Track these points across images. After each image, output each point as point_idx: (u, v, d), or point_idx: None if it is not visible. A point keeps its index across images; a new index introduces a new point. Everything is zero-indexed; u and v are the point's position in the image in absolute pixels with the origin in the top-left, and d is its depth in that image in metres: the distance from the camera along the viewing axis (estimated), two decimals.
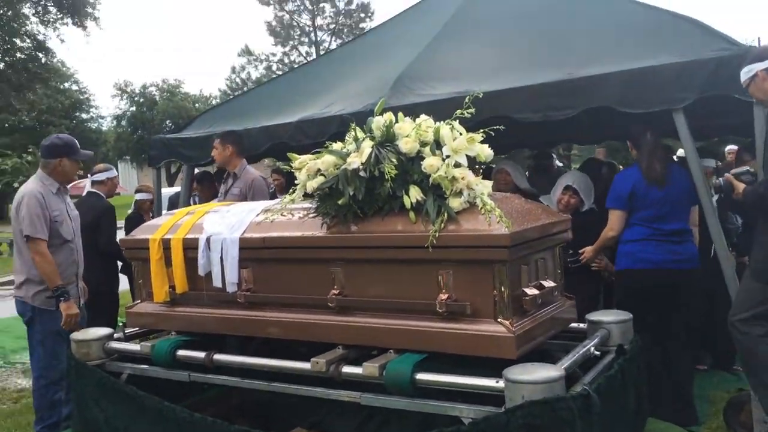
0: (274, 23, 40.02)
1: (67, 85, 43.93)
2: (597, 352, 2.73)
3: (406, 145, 2.66)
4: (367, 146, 2.70)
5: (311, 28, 40.05)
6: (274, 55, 41.02)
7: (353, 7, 39.49)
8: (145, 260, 3.28)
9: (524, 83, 3.96)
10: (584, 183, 4.35)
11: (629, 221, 3.83)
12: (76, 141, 4.10)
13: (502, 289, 2.46)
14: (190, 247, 3.13)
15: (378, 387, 2.58)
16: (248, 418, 3.54)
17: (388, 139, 2.73)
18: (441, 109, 4.11)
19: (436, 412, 2.45)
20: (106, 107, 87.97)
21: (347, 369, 2.62)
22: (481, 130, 2.74)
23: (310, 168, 2.86)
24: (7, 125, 37.87)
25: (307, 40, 40.63)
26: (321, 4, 39.80)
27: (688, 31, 3.78)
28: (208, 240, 3.07)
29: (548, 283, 2.76)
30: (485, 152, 2.77)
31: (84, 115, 45.21)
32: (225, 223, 3.12)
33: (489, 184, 2.74)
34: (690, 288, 3.88)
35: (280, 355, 2.90)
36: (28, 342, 4.05)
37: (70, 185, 4.41)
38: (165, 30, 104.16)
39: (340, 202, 2.71)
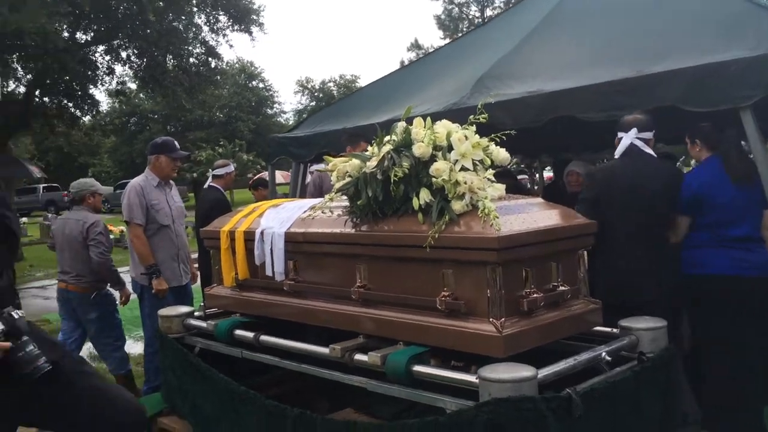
0: (443, 16, 40.43)
1: (254, 83, 47.84)
2: (608, 357, 2.70)
3: (419, 149, 2.81)
4: (384, 150, 2.89)
5: (480, 20, 39.87)
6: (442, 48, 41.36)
7: None
8: (218, 248, 3.73)
9: (592, 81, 3.90)
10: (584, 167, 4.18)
11: (691, 226, 3.63)
12: (175, 142, 4.63)
13: (496, 289, 2.54)
14: (249, 239, 3.51)
15: None
16: (308, 400, 3.88)
17: (405, 144, 2.90)
18: (512, 108, 4.19)
19: (427, 403, 2.60)
20: (289, 102, 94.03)
21: (358, 357, 2.84)
22: (493, 135, 2.83)
23: (340, 171, 3.10)
24: (204, 120, 42.11)
25: None
26: None
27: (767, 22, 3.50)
28: (262, 233, 3.43)
29: (562, 287, 2.78)
30: (500, 156, 2.86)
31: (269, 111, 49.00)
32: (278, 218, 3.46)
33: (501, 187, 2.83)
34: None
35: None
36: (140, 315, 4.70)
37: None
38: (343, 28, 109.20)
39: (359, 202, 2.93)
